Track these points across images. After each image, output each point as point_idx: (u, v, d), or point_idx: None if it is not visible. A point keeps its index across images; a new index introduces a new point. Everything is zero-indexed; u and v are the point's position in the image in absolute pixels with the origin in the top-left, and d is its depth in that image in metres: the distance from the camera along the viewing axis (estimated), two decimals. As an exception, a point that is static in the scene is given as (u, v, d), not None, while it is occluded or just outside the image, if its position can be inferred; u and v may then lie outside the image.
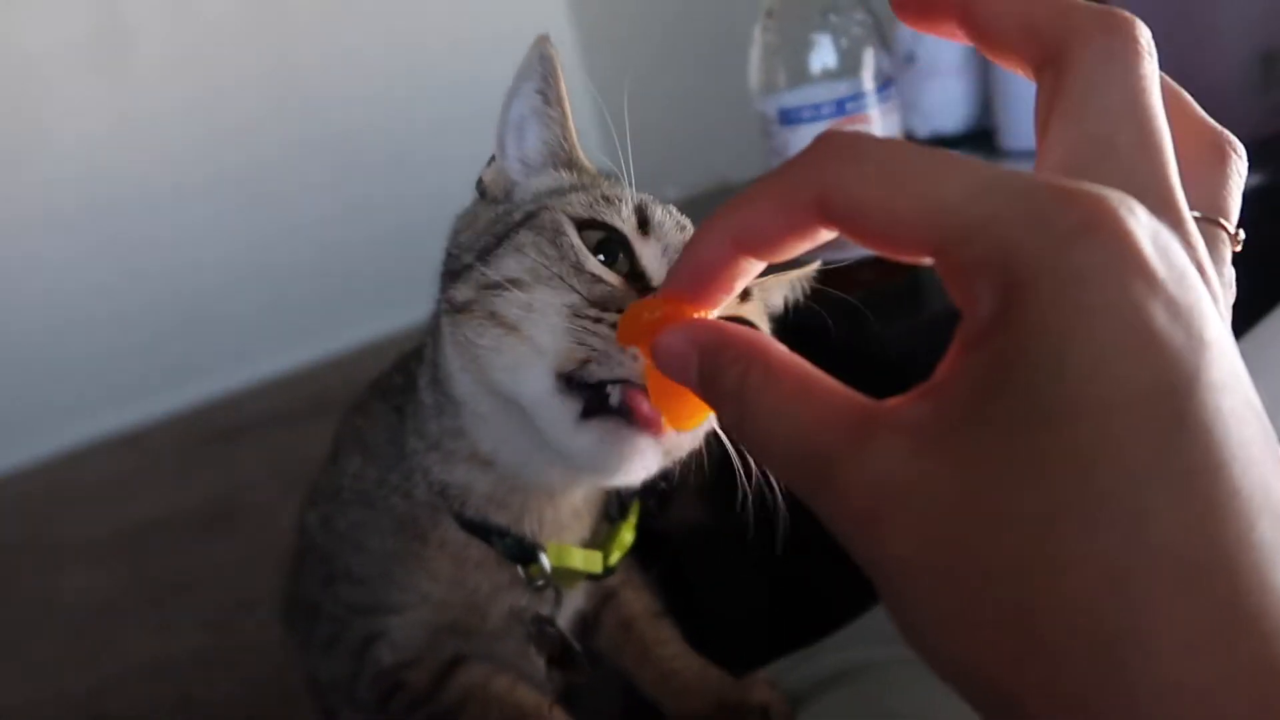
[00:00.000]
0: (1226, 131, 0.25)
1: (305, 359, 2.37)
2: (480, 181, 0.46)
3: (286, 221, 2.35)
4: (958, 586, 0.18)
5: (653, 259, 0.40)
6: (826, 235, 0.23)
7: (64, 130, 2.24)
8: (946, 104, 1.01)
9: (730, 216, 0.24)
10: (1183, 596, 0.17)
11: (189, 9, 2.29)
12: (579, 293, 0.37)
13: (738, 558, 1.01)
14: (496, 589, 0.51)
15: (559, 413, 0.37)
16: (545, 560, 0.48)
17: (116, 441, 2.29)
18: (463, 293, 0.40)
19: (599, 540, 0.51)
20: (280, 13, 2.36)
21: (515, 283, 0.38)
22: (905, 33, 1.07)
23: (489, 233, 0.41)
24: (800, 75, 0.74)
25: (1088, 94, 0.22)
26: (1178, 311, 0.18)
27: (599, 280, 0.38)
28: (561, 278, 0.37)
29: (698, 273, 0.26)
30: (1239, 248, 0.24)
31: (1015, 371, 0.18)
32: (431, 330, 0.48)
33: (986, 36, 0.25)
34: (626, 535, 0.51)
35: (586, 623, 0.59)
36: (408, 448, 0.49)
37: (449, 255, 0.43)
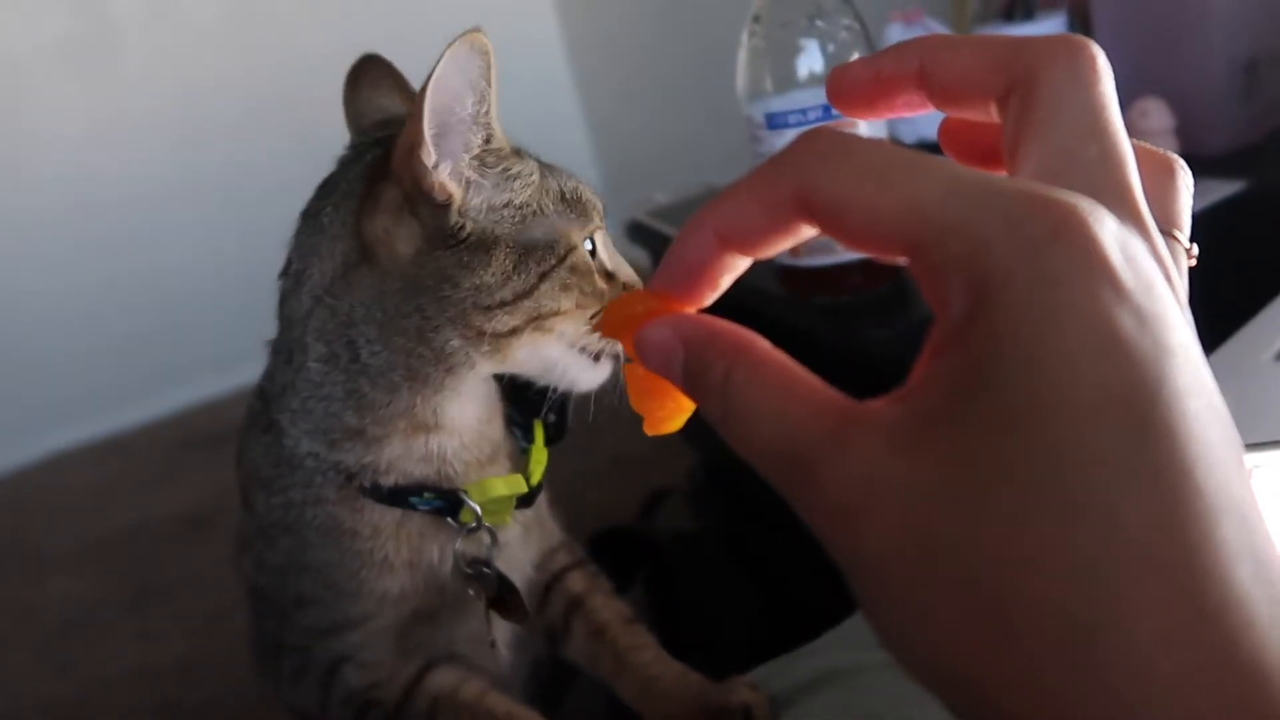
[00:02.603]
0: (1170, 152, 0.26)
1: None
2: (433, 192, 0.44)
3: (270, 225, 2.33)
4: (932, 583, 0.19)
5: (605, 246, 0.50)
6: (809, 232, 0.24)
7: (45, 131, 2.23)
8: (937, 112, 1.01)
9: (714, 212, 0.25)
10: (1153, 591, 0.17)
11: (172, 11, 2.28)
12: (598, 310, 0.47)
13: (724, 564, 1.01)
14: (444, 549, 0.51)
15: (579, 363, 0.48)
16: (471, 501, 0.50)
17: (98, 447, 2.28)
18: (508, 323, 0.46)
19: (517, 468, 0.53)
20: (264, 14, 2.36)
21: (561, 310, 0.46)
22: (892, 38, 1.08)
23: (520, 273, 0.45)
24: (787, 80, 0.75)
25: (1055, 113, 0.23)
26: (1144, 319, 0.18)
27: (603, 293, 0.48)
28: (592, 303, 0.47)
29: (683, 269, 0.26)
30: (1194, 262, 0.25)
31: (985, 374, 0.19)
32: (345, 332, 0.47)
33: (951, 90, 0.25)
34: (540, 454, 0.54)
35: (556, 634, 0.59)
36: (298, 454, 0.49)
37: (458, 296, 0.45)
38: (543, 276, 0.45)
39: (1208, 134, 0.91)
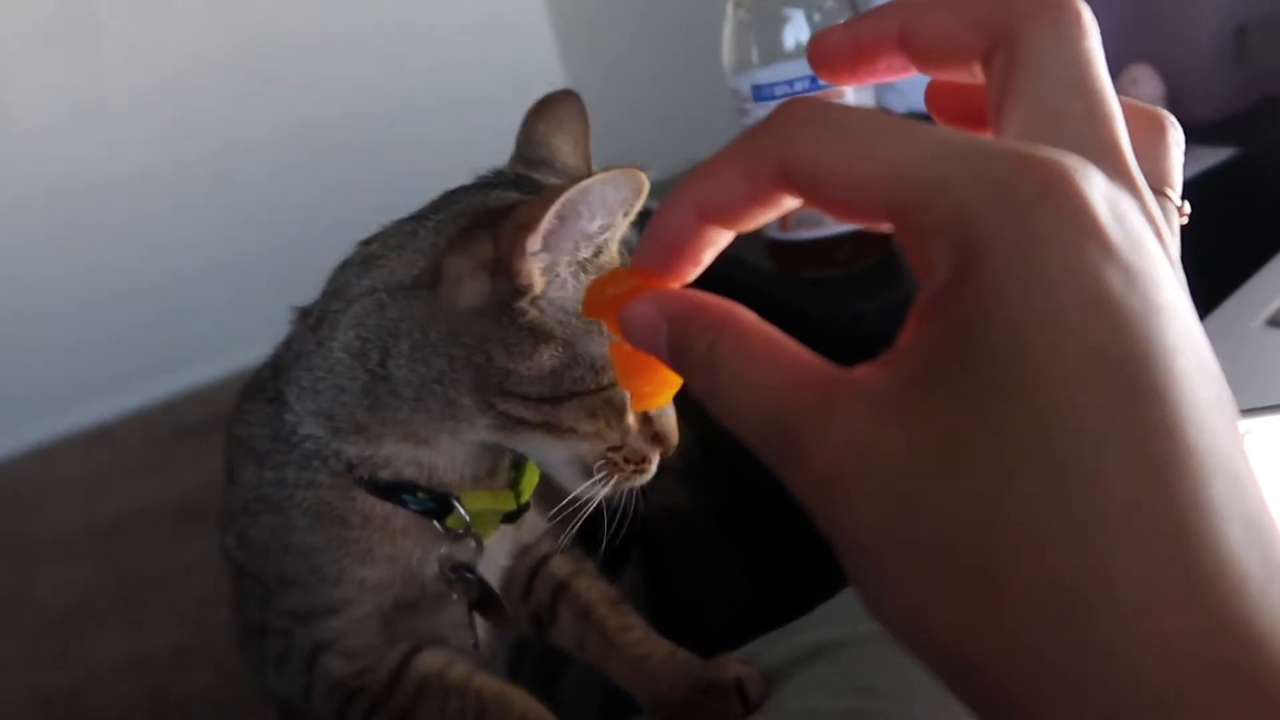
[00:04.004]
0: (1161, 109, 0.26)
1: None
2: (518, 276, 0.44)
3: (257, 212, 2.32)
4: (917, 551, 0.18)
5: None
6: (791, 203, 0.23)
7: (26, 118, 2.20)
8: (923, 81, 1.01)
9: (693, 186, 0.24)
10: (1140, 554, 0.17)
11: (154, -7, 2.25)
12: (619, 445, 0.48)
13: (717, 541, 1.01)
14: (426, 551, 0.51)
15: (578, 477, 0.48)
16: (460, 508, 0.50)
17: (88, 436, 2.27)
18: (520, 413, 0.46)
19: (509, 482, 0.54)
20: (248, -2, 2.33)
21: (579, 431, 0.46)
22: (878, 4, 1.06)
23: (554, 379, 0.45)
24: (774, 52, 0.74)
25: (1039, 69, 0.23)
26: (1133, 276, 0.18)
27: (628, 432, 0.48)
28: (613, 438, 0.47)
29: (664, 245, 0.26)
30: (1185, 220, 0.24)
31: (971, 337, 0.19)
32: (384, 338, 0.47)
33: (932, 51, 0.25)
34: (533, 474, 0.54)
35: (543, 621, 0.59)
36: (298, 434, 0.49)
37: (488, 368, 0.45)
38: (572, 394, 0.45)
39: (1197, 101, 0.91)
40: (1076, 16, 0.23)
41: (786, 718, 0.47)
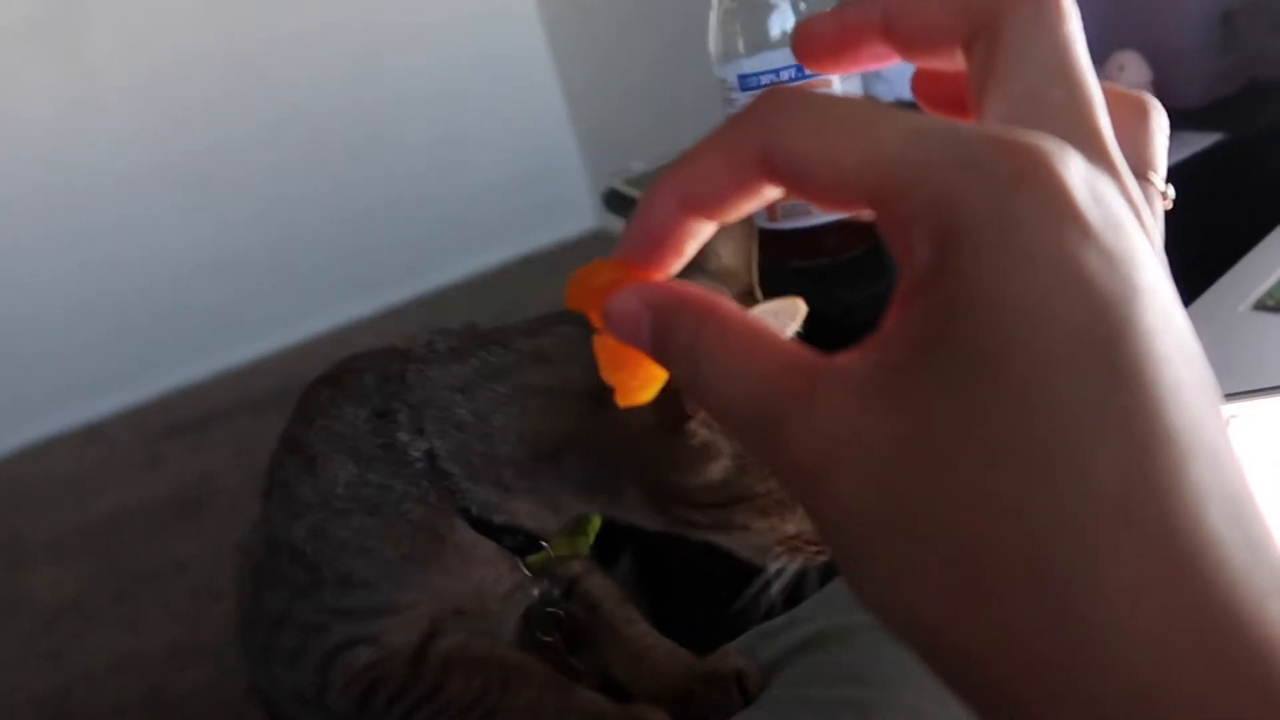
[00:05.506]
0: (1144, 93, 0.26)
1: (269, 349, 2.34)
2: (683, 404, 0.45)
3: (247, 209, 2.31)
4: (902, 537, 0.18)
5: None
6: (773, 193, 0.23)
7: (13, 115, 2.18)
8: (911, 70, 1.00)
9: (675, 176, 0.24)
10: (1123, 537, 0.17)
11: (140, -12, 2.23)
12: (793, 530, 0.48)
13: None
14: (498, 579, 0.53)
15: (743, 550, 0.50)
16: (549, 548, 0.52)
17: (80, 435, 2.26)
18: (693, 518, 0.47)
19: (574, 526, 0.56)
20: (236, -8, 2.31)
21: (751, 528, 0.47)
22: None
23: (724, 489, 0.46)
24: (760, 41, 0.74)
25: (1019, 55, 0.23)
26: (1112, 259, 0.18)
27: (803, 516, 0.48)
28: (790, 530, 0.48)
29: (646, 236, 0.26)
30: (1169, 204, 0.24)
31: (951, 321, 0.19)
32: (569, 435, 0.49)
33: (915, 38, 0.25)
34: (596, 520, 0.56)
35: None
36: (411, 453, 0.50)
37: (659, 481, 0.47)
38: (743, 499, 0.46)
39: (1185, 86, 0.91)
40: (1056, 1, 0.23)
41: (780, 709, 0.48)
